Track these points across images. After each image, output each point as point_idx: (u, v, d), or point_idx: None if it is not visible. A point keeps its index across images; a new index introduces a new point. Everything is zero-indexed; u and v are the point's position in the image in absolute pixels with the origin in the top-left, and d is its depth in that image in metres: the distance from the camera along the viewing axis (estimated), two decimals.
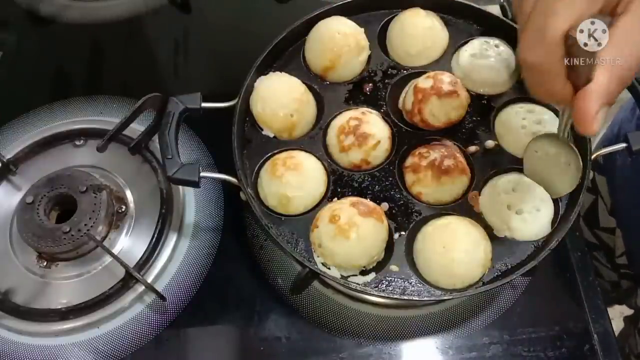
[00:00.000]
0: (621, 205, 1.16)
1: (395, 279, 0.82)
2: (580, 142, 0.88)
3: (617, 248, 1.21)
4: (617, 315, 0.96)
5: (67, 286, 0.94)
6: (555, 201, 0.86)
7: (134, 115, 0.99)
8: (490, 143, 0.91)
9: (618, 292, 1.29)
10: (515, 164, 0.89)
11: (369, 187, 0.89)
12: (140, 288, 0.93)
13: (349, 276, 0.82)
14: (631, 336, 1.19)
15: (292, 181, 0.84)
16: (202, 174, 0.82)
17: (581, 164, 0.72)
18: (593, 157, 0.86)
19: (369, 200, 0.86)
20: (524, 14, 0.59)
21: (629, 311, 1.29)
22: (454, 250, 0.79)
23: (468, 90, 0.93)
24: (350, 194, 0.88)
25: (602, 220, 1.23)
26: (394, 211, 0.87)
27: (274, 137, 0.92)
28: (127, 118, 0.98)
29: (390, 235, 0.84)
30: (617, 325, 0.95)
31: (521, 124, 0.88)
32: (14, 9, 1.30)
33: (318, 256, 0.83)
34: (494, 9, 1.02)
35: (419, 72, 0.95)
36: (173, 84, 1.21)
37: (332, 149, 0.91)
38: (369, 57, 0.98)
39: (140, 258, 0.94)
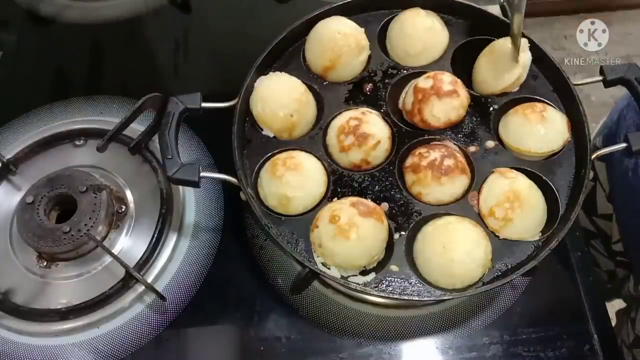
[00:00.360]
0: (619, 192, 1.16)
1: (395, 279, 0.82)
2: (580, 142, 0.89)
3: (613, 234, 1.21)
4: (609, 309, 0.97)
5: (67, 286, 0.94)
6: (555, 200, 0.86)
7: (134, 115, 0.99)
8: (490, 143, 0.91)
9: (614, 282, 1.29)
10: (515, 164, 0.89)
11: (369, 187, 0.89)
12: (140, 288, 0.93)
13: (349, 276, 0.82)
14: (623, 327, 1.19)
15: (292, 181, 0.84)
16: (202, 174, 0.82)
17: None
18: (593, 157, 0.86)
19: (369, 200, 0.86)
20: None
21: (620, 305, 1.29)
22: (454, 251, 0.79)
23: (468, 90, 0.93)
24: (350, 194, 0.88)
25: (600, 207, 1.23)
26: (394, 211, 0.87)
27: (274, 137, 0.92)
28: (127, 118, 0.99)
29: (390, 235, 0.84)
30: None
31: None
32: (14, 9, 1.30)
33: (318, 256, 0.83)
34: (494, 9, 1.03)
35: (419, 72, 0.95)
36: (173, 84, 1.21)
37: (332, 149, 0.91)
38: (369, 57, 0.98)
39: (140, 258, 0.94)
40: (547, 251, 0.80)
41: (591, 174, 1.08)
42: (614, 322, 1.24)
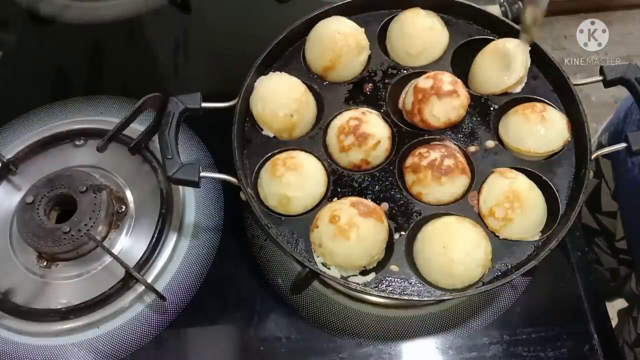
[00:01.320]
0: (624, 189, 1.16)
1: (395, 279, 0.82)
2: (580, 142, 0.89)
3: (617, 232, 1.21)
4: (610, 309, 0.97)
5: (67, 286, 0.94)
6: (555, 200, 0.86)
7: (134, 115, 0.99)
8: (490, 143, 0.91)
9: (617, 280, 1.29)
10: (515, 164, 0.89)
11: (369, 187, 0.89)
12: (140, 288, 0.93)
13: (349, 276, 0.82)
14: (625, 326, 1.19)
15: (292, 181, 0.84)
16: (202, 174, 0.82)
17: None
18: (593, 157, 0.86)
19: (369, 200, 0.86)
20: None
21: (622, 305, 1.29)
22: (454, 251, 0.79)
23: (468, 90, 0.93)
24: (350, 194, 0.88)
25: (604, 204, 1.23)
26: (394, 211, 0.87)
27: (274, 137, 0.92)
28: (127, 118, 0.98)
29: (391, 235, 0.84)
30: (612, 321, 0.96)
31: None
32: (14, 9, 1.30)
33: (318, 256, 0.83)
34: (494, 9, 1.02)
35: (419, 72, 0.95)
36: (173, 84, 1.21)
37: (332, 149, 0.91)
38: (369, 57, 0.98)
39: (140, 258, 0.94)
40: (547, 251, 0.80)
41: (592, 174, 1.08)
42: (615, 322, 1.25)
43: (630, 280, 1.23)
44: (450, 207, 0.87)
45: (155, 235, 0.96)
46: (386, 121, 0.93)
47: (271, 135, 0.92)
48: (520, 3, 1.02)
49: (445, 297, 0.85)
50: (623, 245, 1.21)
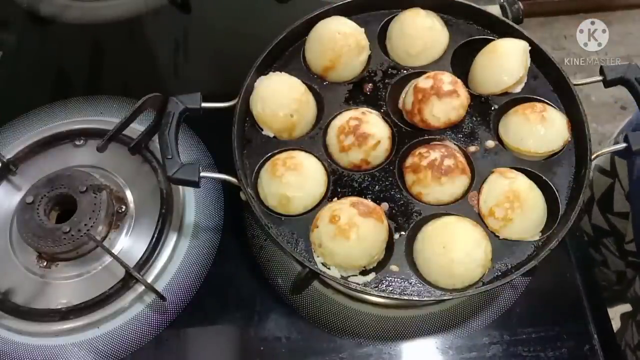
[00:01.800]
0: (637, 188, 1.15)
1: (395, 279, 0.82)
2: (580, 142, 0.89)
3: (627, 234, 1.20)
4: (613, 314, 0.96)
5: (67, 286, 0.94)
6: (555, 200, 0.86)
7: (134, 115, 0.99)
8: (490, 143, 0.91)
9: (622, 283, 1.28)
10: (515, 164, 0.89)
11: (369, 187, 0.89)
12: (140, 288, 0.93)
13: (349, 276, 0.82)
14: (628, 330, 1.18)
15: (292, 181, 0.84)
16: (202, 174, 0.82)
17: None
18: (593, 157, 0.86)
19: (369, 200, 0.86)
20: None
21: (625, 309, 1.29)
22: (454, 251, 0.79)
23: (468, 90, 0.93)
24: (350, 194, 0.88)
25: (617, 204, 1.22)
26: (394, 211, 0.87)
27: (274, 137, 0.92)
28: (127, 118, 0.99)
29: (391, 235, 0.84)
30: (615, 325, 0.96)
31: None
32: (14, 9, 1.30)
33: (318, 256, 0.83)
34: (494, 9, 1.02)
35: (419, 72, 0.95)
36: (173, 84, 1.21)
37: (332, 149, 0.91)
38: (369, 57, 0.98)
39: (140, 258, 0.94)
40: (547, 251, 0.80)
41: (591, 175, 1.08)
42: (618, 325, 1.24)
43: (634, 283, 1.22)
44: (450, 207, 0.86)
45: (155, 235, 0.96)
46: (386, 121, 0.93)
47: (271, 135, 0.92)
48: (520, 3, 1.02)
49: (445, 297, 0.85)
50: (632, 248, 1.20)
